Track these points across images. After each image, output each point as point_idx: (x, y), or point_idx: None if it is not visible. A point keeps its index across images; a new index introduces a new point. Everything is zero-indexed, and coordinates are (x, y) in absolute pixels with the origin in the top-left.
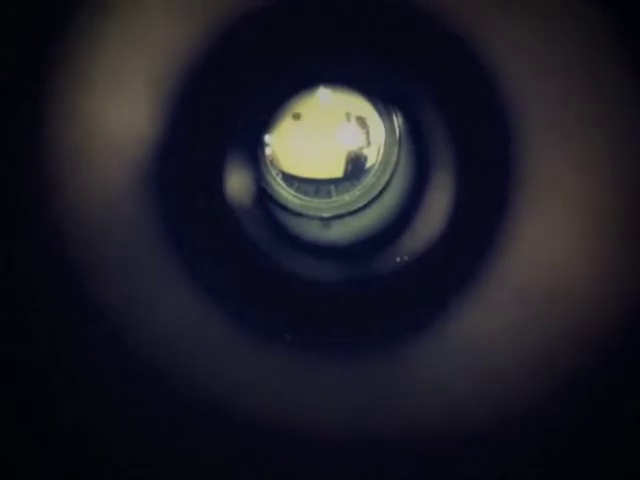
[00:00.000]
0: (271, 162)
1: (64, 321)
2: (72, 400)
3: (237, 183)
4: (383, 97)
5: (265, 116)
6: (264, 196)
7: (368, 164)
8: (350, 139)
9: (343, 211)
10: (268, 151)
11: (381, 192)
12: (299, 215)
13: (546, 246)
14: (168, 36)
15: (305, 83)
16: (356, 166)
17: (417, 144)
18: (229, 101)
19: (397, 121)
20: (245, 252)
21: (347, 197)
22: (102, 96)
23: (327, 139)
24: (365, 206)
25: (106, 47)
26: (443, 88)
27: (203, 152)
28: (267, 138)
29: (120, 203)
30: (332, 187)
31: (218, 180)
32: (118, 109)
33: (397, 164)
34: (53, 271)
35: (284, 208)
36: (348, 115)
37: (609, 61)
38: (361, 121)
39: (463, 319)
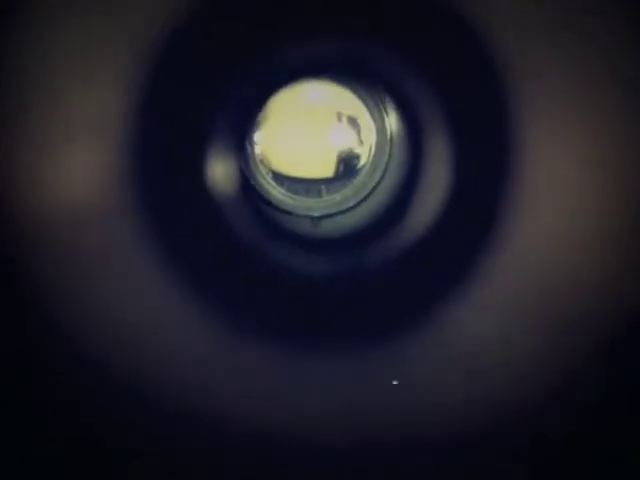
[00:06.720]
0: (261, 161)
1: (44, 319)
2: (54, 402)
3: (223, 179)
4: (377, 89)
5: (249, 108)
6: (253, 194)
7: (359, 164)
8: (341, 139)
9: (334, 210)
10: (258, 150)
11: (372, 191)
12: (288, 214)
13: (542, 246)
14: (142, 23)
15: (291, 75)
16: (347, 166)
17: (410, 143)
18: (207, 92)
19: (389, 120)
20: (232, 249)
21: (338, 197)
22: (75, 84)
23: (318, 139)
24: (356, 205)
25: (73, 31)
26: (442, 82)
27: (184, 147)
28: (256, 136)
29: (98, 200)
30: (323, 187)
31: (202, 176)
32: (93, 96)
33: (388, 163)
34: (28, 266)
35: (274, 207)
36: (339, 114)
37: (615, 49)
38: (352, 120)
39: (454, 317)
